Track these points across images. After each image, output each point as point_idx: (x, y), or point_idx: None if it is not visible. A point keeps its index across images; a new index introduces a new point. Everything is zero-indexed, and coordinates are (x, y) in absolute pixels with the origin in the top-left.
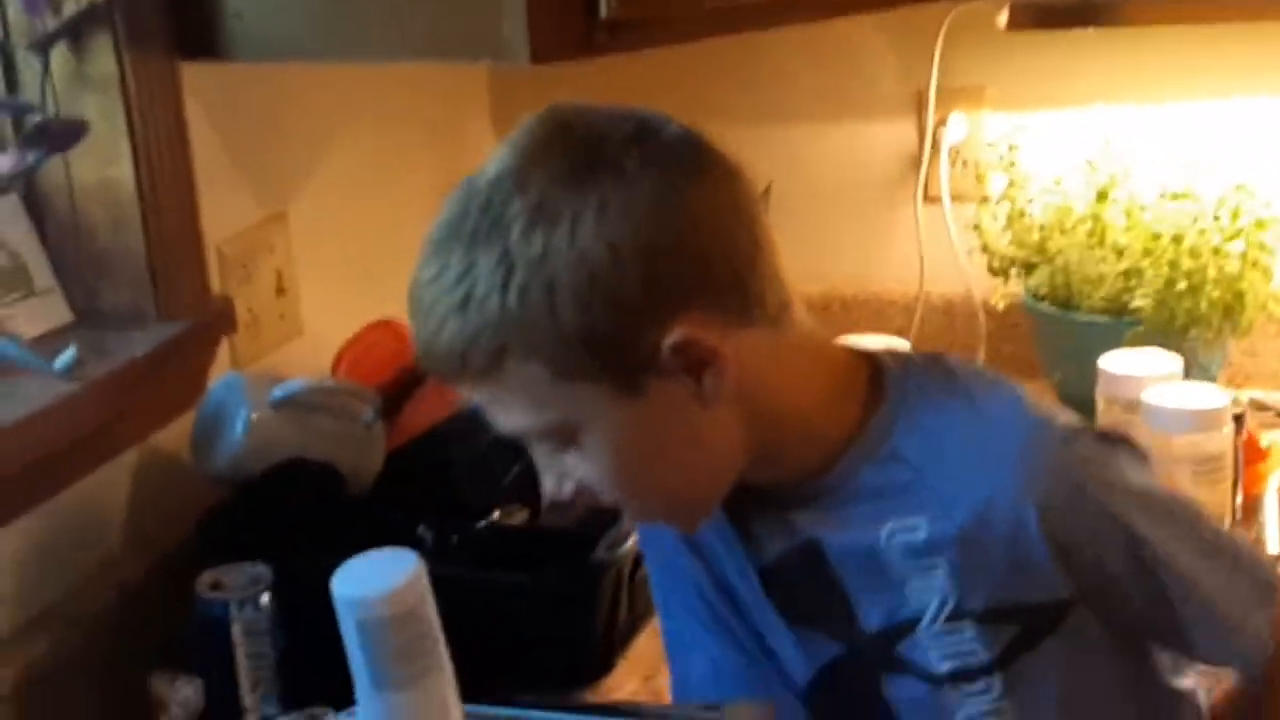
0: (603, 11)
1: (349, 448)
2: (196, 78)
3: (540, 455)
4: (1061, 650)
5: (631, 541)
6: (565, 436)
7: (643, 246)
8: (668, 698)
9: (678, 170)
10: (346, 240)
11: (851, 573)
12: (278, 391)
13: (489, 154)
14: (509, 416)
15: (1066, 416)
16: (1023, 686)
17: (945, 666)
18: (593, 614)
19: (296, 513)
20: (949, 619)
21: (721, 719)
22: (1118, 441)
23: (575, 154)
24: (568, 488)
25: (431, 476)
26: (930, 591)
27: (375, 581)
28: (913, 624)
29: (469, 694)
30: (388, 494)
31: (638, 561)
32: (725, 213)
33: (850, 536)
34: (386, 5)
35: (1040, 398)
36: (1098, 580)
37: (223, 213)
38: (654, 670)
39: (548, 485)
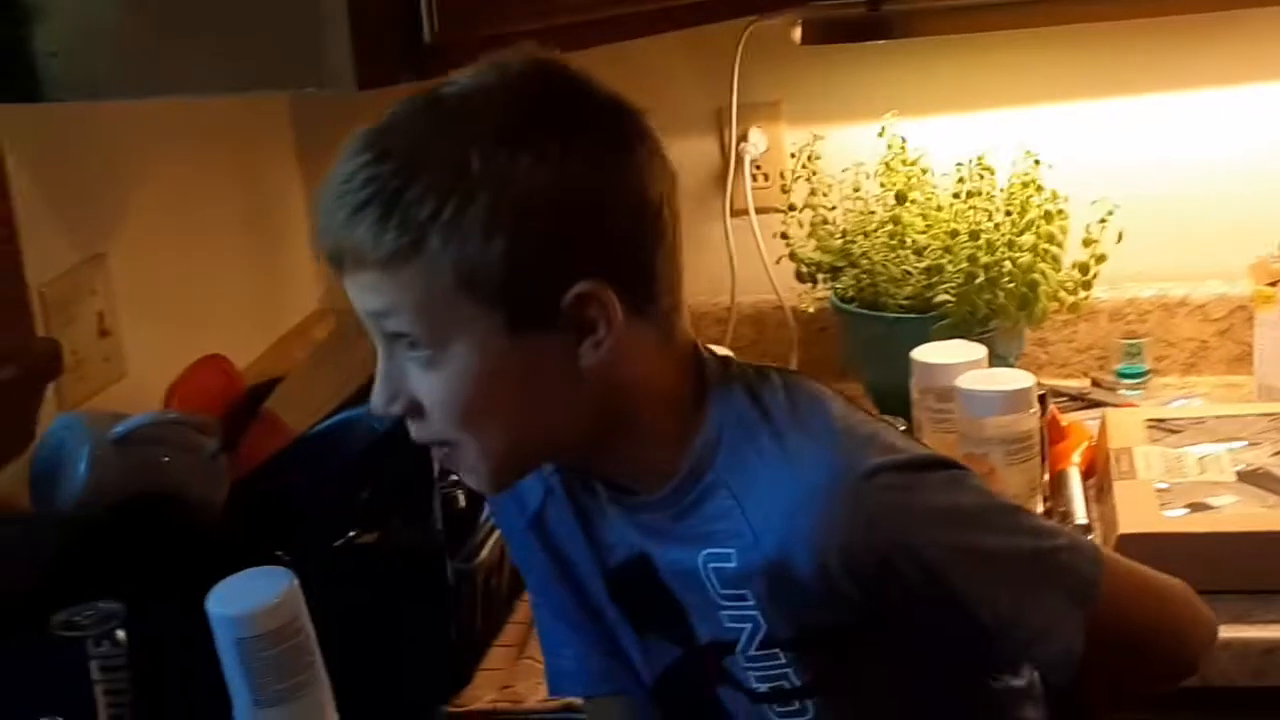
0: (426, 36)
1: (194, 480)
2: (11, 120)
3: (385, 364)
4: (874, 668)
5: (485, 553)
6: (433, 345)
7: (594, 197)
8: (526, 704)
9: (644, 152)
10: (166, 279)
11: (679, 588)
12: (119, 427)
13: (295, 186)
14: (387, 307)
15: (877, 446)
16: (837, 705)
17: (762, 688)
18: (450, 627)
19: (146, 547)
20: (761, 645)
21: None
22: (930, 465)
23: (557, 95)
24: (396, 407)
25: (279, 504)
26: (742, 619)
27: (251, 599)
28: (732, 645)
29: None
30: (236, 524)
31: (489, 574)
32: (664, 205)
33: (675, 555)
34: (207, 39)
35: (856, 422)
36: (902, 604)
37: (43, 256)
38: (510, 679)
39: (378, 399)
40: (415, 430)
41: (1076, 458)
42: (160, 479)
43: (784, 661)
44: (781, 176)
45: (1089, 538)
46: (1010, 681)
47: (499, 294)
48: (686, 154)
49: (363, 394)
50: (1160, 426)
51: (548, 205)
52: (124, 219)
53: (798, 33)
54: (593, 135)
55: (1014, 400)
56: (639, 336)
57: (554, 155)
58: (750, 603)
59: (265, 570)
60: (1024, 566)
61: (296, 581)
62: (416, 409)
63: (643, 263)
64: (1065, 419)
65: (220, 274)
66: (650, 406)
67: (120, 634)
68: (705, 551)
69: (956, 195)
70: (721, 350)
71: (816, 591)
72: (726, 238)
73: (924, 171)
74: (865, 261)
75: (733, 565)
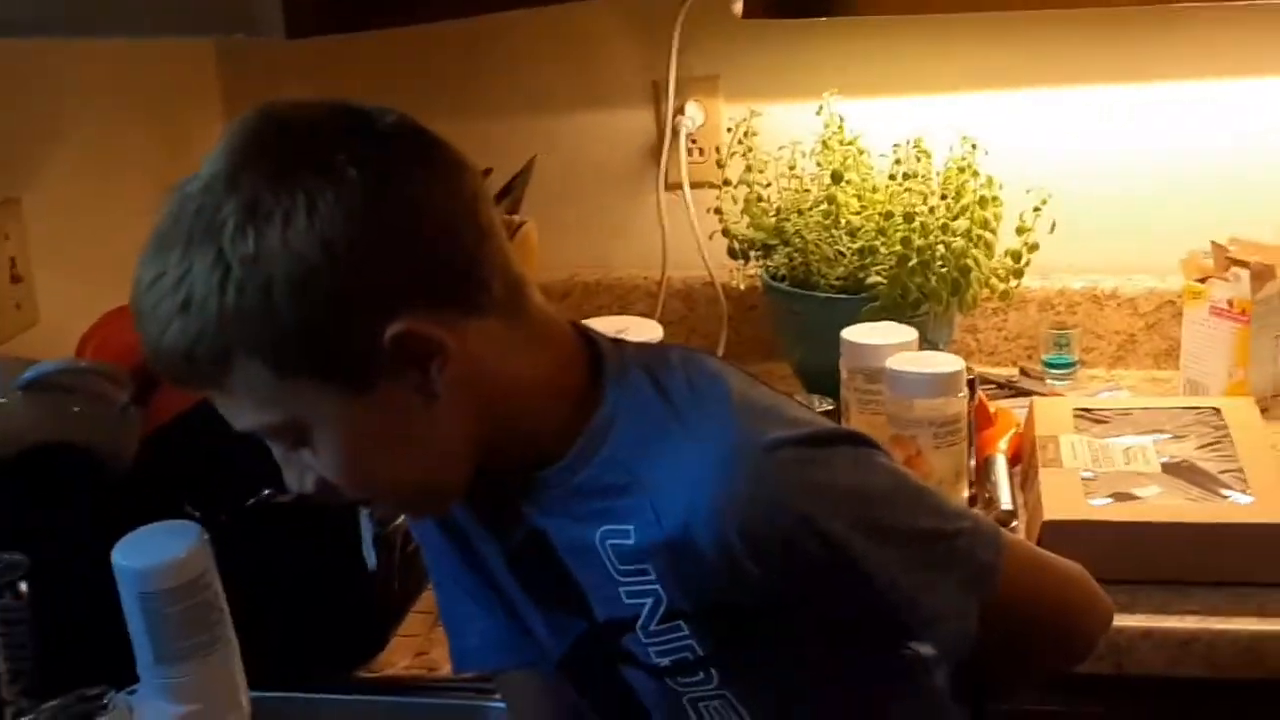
0: None
1: (104, 430)
2: None
3: (279, 452)
4: (778, 635)
5: (404, 517)
6: (296, 435)
7: (357, 241)
8: (440, 672)
9: (395, 161)
10: (83, 226)
11: (577, 565)
12: (28, 373)
13: (218, 138)
14: (240, 417)
15: (778, 420)
16: (740, 672)
17: (664, 662)
18: (366, 590)
19: (52, 498)
20: (662, 620)
21: (492, 689)
22: (834, 440)
23: (285, 152)
24: (309, 483)
25: (192, 459)
26: (642, 594)
27: (158, 552)
28: (631, 622)
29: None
30: (147, 478)
31: (408, 536)
32: (446, 201)
33: (571, 532)
34: None
35: (756, 397)
36: (804, 581)
37: None
38: (426, 646)
39: (290, 482)
40: (334, 494)
41: (1003, 444)
42: (69, 428)
43: (686, 633)
44: (717, 151)
45: (1012, 522)
46: (920, 649)
47: (319, 368)
48: (622, 125)
49: None
50: (1087, 416)
51: (313, 268)
52: (41, 164)
53: (739, 6)
54: (333, 176)
55: (943, 383)
56: (484, 334)
57: (300, 216)
58: (651, 576)
59: (175, 524)
60: (923, 549)
61: (206, 537)
62: (324, 482)
63: (450, 267)
64: (993, 406)
65: (139, 223)
66: (531, 394)
67: (22, 586)
68: (603, 528)
69: (892, 177)
70: (616, 328)
71: (718, 568)
72: (659, 211)
73: (861, 152)
74: (798, 240)
75: (630, 542)
